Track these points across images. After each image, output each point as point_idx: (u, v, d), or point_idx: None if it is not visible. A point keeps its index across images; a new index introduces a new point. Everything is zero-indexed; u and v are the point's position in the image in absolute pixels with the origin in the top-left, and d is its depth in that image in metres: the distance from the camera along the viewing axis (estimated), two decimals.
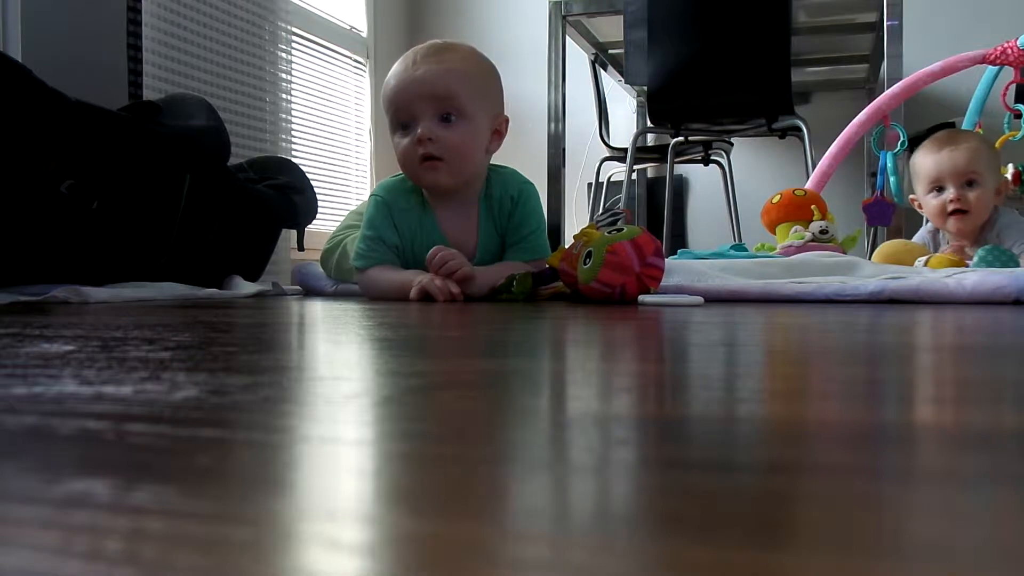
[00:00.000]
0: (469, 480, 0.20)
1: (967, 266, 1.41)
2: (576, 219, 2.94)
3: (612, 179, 2.77)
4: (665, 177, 2.58)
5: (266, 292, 1.50)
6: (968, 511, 0.17)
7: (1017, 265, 1.40)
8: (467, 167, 1.26)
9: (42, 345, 0.52)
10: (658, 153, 2.60)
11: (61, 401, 0.31)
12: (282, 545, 0.15)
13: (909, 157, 1.83)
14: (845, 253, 1.43)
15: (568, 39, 2.45)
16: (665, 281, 1.14)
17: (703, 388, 0.36)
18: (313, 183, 1.79)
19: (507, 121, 1.31)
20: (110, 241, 1.31)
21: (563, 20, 2.39)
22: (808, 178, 1.92)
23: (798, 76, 2.30)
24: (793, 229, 1.54)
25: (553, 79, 2.40)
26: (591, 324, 0.75)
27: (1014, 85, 1.80)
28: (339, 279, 1.51)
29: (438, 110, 1.22)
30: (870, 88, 2.73)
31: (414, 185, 1.30)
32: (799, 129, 2.13)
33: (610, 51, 2.73)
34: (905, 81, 1.86)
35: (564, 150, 2.42)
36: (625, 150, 2.43)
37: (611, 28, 2.48)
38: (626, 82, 2.79)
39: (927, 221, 1.83)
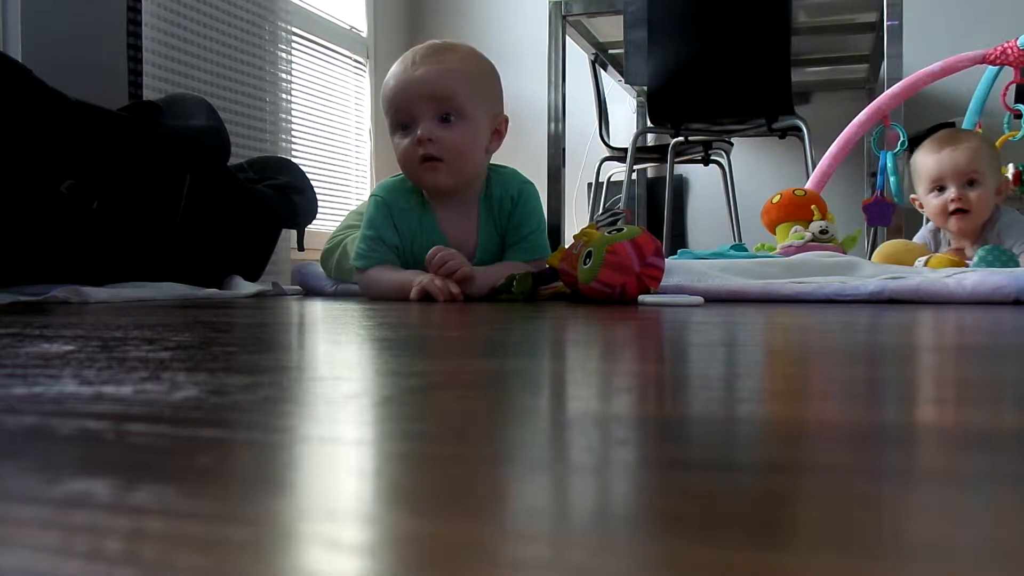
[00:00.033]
0: (469, 480, 0.20)
1: (967, 266, 1.41)
2: (576, 219, 2.94)
3: (612, 179, 2.77)
4: (665, 177, 2.58)
5: (266, 292, 1.50)
6: (968, 511, 0.17)
7: (1017, 265, 1.40)
8: (467, 167, 1.26)
9: (42, 345, 0.52)
10: (658, 153, 2.60)
11: (61, 401, 0.31)
12: (282, 545, 0.15)
13: (909, 157, 1.84)
14: (845, 253, 1.43)
15: (568, 39, 2.45)
16: (665, 281, 1.14)
17: (703, 388, 0.36)
18: (313, 183, 1.79)
19: (507, 121, 1.31)
20: (110, 241, 1.31)
21: (563, 20, 2.39)
22: (808, 178, 1.92)
23: (798, 76, 2.30)
24: (793, 229, 1.55)
25: (553, 79, 2.40)
26: (591, 324, 0.75)
27: (1014, 85, 1.80)
28: (339, 279, 1.51)
29: (438, 110, 1.22)
30: (870, 88, 2.73)
31: (414, 185, 1.30)
32: (799, 129, 2.13)
33: (610, 51, 2.73)
34: (905, 81, 1.86)
35: (564, 150, 2.42)
36: (625, 150, 2.43)
37: (611, 28, 2.48)
38: (626, 82, 2.80)
39: (927, 221, 1.83)
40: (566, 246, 1.20)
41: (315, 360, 0.48)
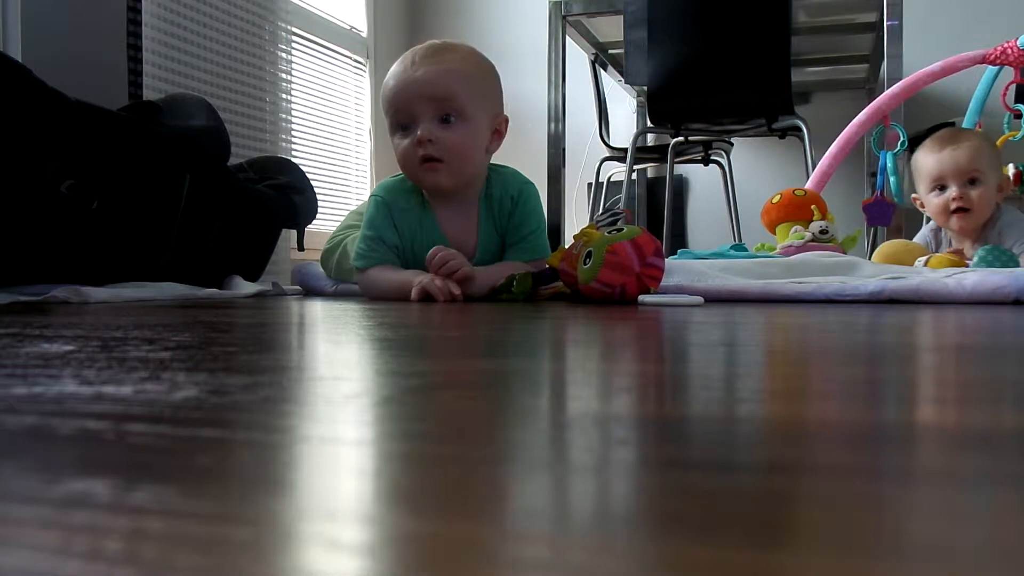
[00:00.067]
0: (469, 480, 0.20)
1: (967, 266, 1.41)
2: (576, 219, 2.94)
3: (612, 179, 2.77)
4: (665, 177, 2.58)
5: (266, 292, 1.50)
6: (968, 511, 0.17)
7: (1017, 265, 1.40)
8: (467, 168, 1.26)
9: (42, 345, 0.52)
10: (658, 153, 2.60)
11: (61, 401, 0.31)
12: (282, 545, 0.15)
13: (909, 157, 1.84)
14: (845, 253, 1.43)
15: (568, 39, 2.45)
16: (665, 281, 1.14)
17: (703, 388, 0.36)
18: (313, 183, 1.79)
19: (507, 121, 1.31)
20: (110, 241, 1.31)
21: (563, 20, 2.39)
22: (808, 178, 1.92)
23: (798, 76, 2.30)
24: (793, 229, 1.54)
25: (553, 79, 2.40)
26: (591, 324, 0.75)
27: (1014, 85, 1.80)
28: (339, 279, 1.51)
29: (438, 111, 1.22)
30: (870, 88, 2.73)
31: (414, 185, 1.30)
32: (799, 129, 2.13)
33: (610, 51, 2.73)
34: (905, 81, 1.86)
35: (564, 150, 2.42)
36: (625, 150, 2.43)
37: (611, 28, 2.48)
38: (626, 82, 2.80)
39: (927, 220, 1.83)
40: (566, 246, 1.20)
41: (315, 360, 0.48)
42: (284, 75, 2.27)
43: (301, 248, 1.78)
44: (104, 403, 0.30)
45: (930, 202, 1.73)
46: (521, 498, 0.19)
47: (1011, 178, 2.11)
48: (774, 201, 1.63)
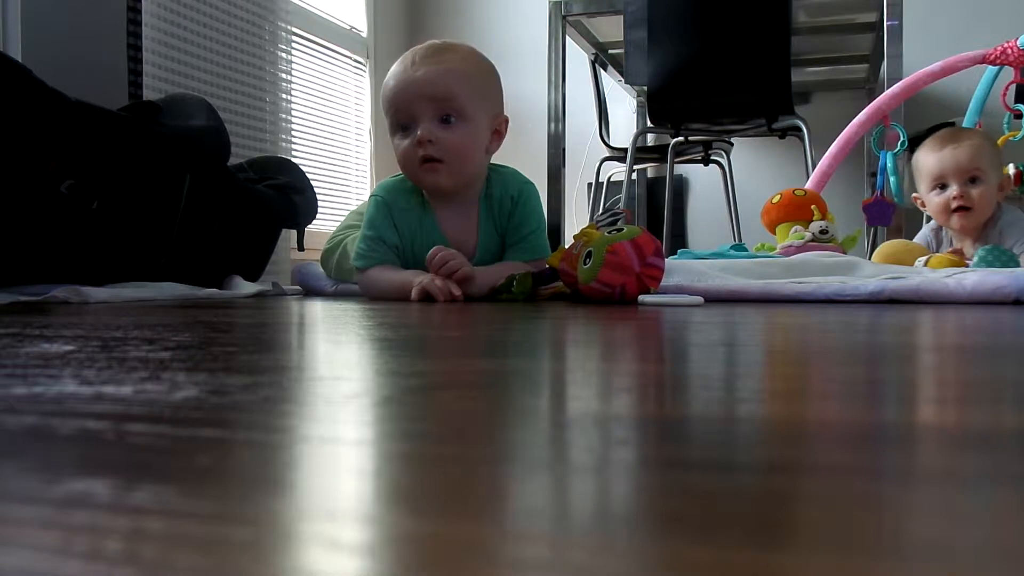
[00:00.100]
0: (469, 480, 0.20)
1: (967, 266, 1.41)
2: (576, 219, 2.94)
3: (612, 179, 2.77)
4: (665, 177, 2.58)
5: (266, 292, 1.50)
6: (968, 511, 0.17)
7: (1017, 265, 1.40)
8: (467, 168, 1.26)
9: (42, 345, 0.52)
10: (658, 153, 2.60)
11: (61, 401, 0.31)
12: (282, 545, 0.15)
13: (909, 157, 1.84)
14: (845, 253, 1.43)
15: (568, 39, 2.45)
16: (665, 281, 1.14)
17: (703, 388, 0.36)
18: (313, 183, 1.79)
19: (507, 121, 1.31)
20: (110, 241, 1.31)
21: (563, 20, 2.39)
22: (808, 178, 1.92)
23: (798, 76, 2.30)
24: (793, 229, 1.54)
25: (553, 79, 2.40)
26: (591, 324, 0.75)
27: (1014, 85, 1.80)
28: (339, 279, 1.51)
29: (438, 111, 1.22)
30: (870, 88, 2.73)
31: (414, 185, 1.30)
32: (799, 129, 2.13)
33: (610, 51, 2.73)
34: (905, 81, 1.86)
35: (564, 150, 2.42)
36: (625, 150, 2.43)
37: (611, 28, 2.48)
38: (626, 82, 2.79)
39: (927, 220, 1.83)
40: (566, 246, 1.20)
41: (315, 360, 0.48)
42: (284, 75, 2.27)
43: (301, 248, 1.78)
44: (104, 403, 0.30)
45: (931, 201, 1.73)
46: (521, 498, 0.19)
47: (1012, 178, 2.11)
48: (774, 201, 1.63)
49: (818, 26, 2.49)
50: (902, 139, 1.83)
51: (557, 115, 2.40)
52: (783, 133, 2.22)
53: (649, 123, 2.28)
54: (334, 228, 1.58)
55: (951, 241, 1.77)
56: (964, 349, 0.54)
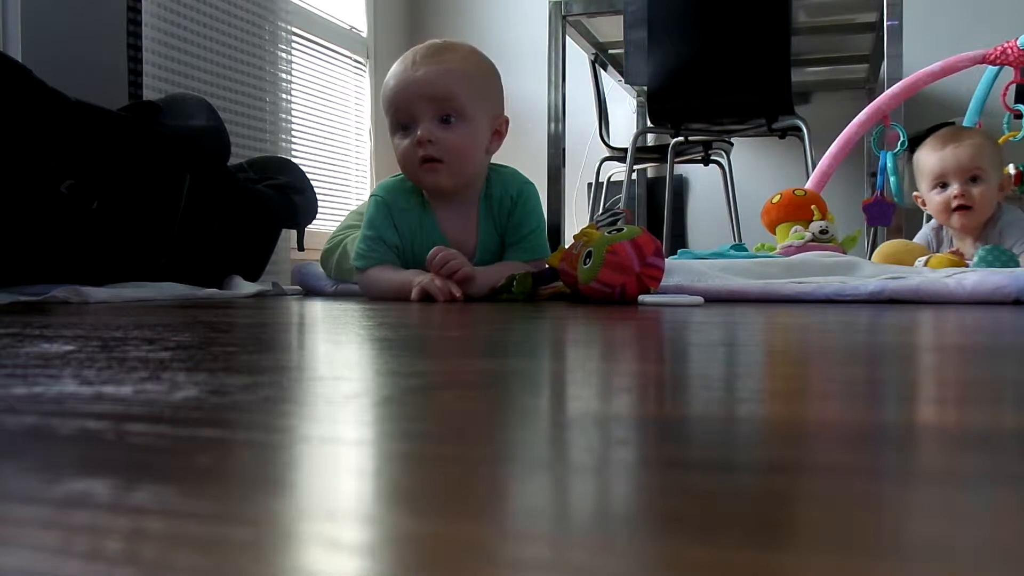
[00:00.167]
0: (469, 480, 0.20)
1: (967, 266, 1.41)
2: (576, 219, 2.94)
3: (612, 179, 2.77)
4: (665, 177, 2.58)
5: (266, 292, 1.50)
6: (968, 511, 0.17)
7: (1017, 265, 1.40)
8: (467, 168, 1.26)
9: (42, 345, 0.52)
10: (658, 153, 2.60)
11: (61, 401, 0.31)
12: (282, 545, 0.15)
13: (909, 157, 1.83)
14: (845, 253, 1.43)
15: (568, 39, 2.45)
16: (665, 281, 1.14)
17: (703, 388, 0.36)
18: (313, 183, 1.79)
19: (507, 121, 1.31)
20: (110, 241, 1.31)
21: (563, 20, 2.39)
22: (808, 178, 1.92)
23: (798, 76, 2.30)
24: (793, 229, 1.54)
25: (553, 79, 2.40)
26: (591, 324, 0.75)
27: (1014, 85, 1.80)
28: (339, 279, 1.51)
29: (438, 111, 1.22)
30: (870, 88, 2.73)
31: (414, 185, 1.30)
32: (799, 129, 2.13)
33: (610, 51, 2.73)
34: (905, 81, 1.86)
35: (564, 150, 2.42)
36: (625, 150, 2.43)
37: (611, 28, 2.48)
38: (626, 82, 2.79)
39: (928, 219, 1.83)
40: (566, 246, 1.20)
41: (315, 360, 0.48)
42: (284, 75, 2.27)
43: (301, 248, 1.78)
44: (104, 403, 0.30)
45: (932, 200, 1.73)
46: (521, 498, 0.19)
47: (1012, 178, 2.11)
48: (774, 201, 1.63)
49: (818, 26, 2.49)
50: (902, 139, 1.83)
51: (557, 115, 2.40)
52: (783, 133, 2.22)
53: (649, 123, 2.28)
54: (334, 228, 1.58)
55: (951, 241, 1.77)
56: (964, 349, 0.54)
